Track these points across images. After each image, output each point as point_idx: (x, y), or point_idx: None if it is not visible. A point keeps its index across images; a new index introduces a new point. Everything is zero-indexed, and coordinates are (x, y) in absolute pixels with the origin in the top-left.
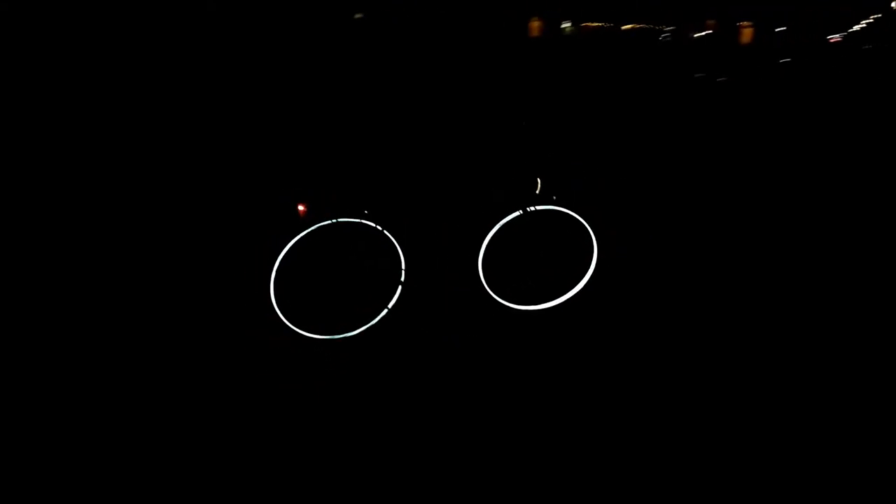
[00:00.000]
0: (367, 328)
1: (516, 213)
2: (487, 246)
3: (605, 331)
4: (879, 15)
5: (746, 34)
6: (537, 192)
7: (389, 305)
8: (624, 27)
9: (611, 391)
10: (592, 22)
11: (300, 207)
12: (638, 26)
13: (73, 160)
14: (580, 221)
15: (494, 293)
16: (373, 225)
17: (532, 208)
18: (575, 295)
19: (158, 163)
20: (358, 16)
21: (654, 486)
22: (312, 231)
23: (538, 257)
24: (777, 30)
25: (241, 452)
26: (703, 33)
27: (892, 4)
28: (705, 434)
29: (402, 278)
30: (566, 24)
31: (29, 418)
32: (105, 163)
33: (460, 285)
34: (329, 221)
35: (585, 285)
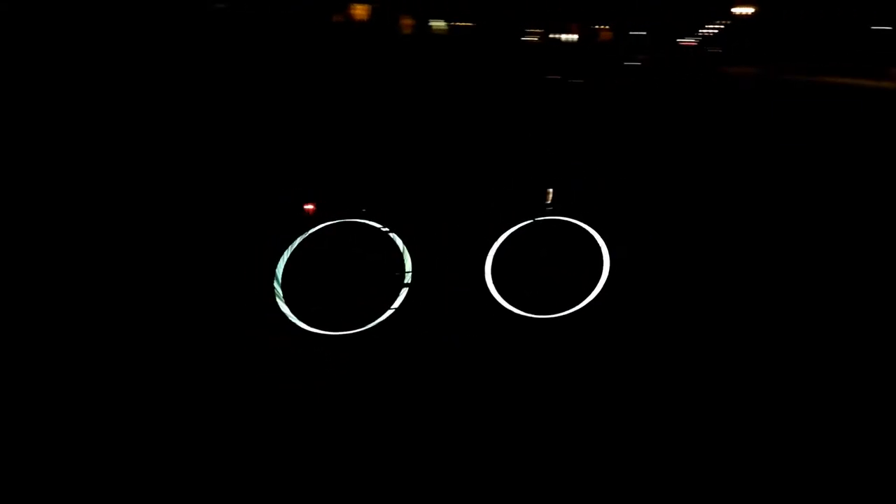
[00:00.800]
0: (370, 328)
1: (526, 222)
2: (496, 253)
3: (605, 331)
4: (729, 22)
5: (604, 37)
6: (549, 202)
7: (394, 306)
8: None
9: (610, 392)
10: (462, 22)
11: (308, 207)
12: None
13: (78, 160)
14: (591, 234)
15: (503, 299)
16: (378, 226)
17: (542, 218)
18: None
19: (162, 163)
20: (220, 5)
21: (658, 487)
22: (319, 230)
23: (546, 266)
24: (632, 33)
25: (241, 452)
26: (566, 36)
27: (733, 10)
28: (714, 439)
29: (408, 280)
30: (438, 23)
31: (28, 416)
32: (108, 162)
33: (462, 287)
34: (336, 221)
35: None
